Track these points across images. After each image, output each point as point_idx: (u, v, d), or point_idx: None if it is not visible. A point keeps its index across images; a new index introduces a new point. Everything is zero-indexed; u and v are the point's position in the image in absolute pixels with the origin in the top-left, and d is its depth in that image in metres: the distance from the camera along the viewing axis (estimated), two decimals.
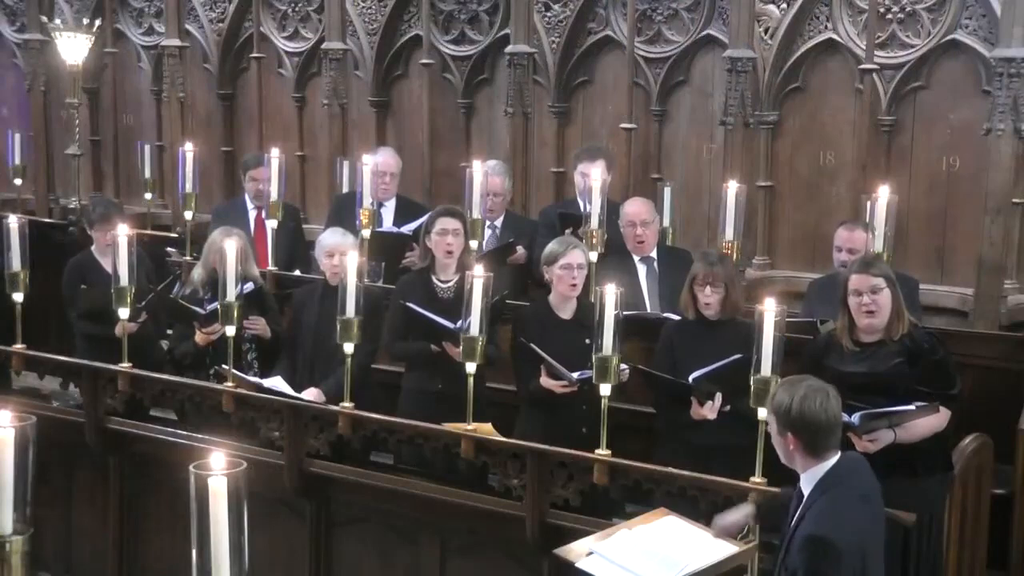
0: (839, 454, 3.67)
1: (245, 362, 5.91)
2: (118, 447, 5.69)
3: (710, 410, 4.88)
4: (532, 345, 5.10)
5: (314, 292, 5.93)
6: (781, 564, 3.64)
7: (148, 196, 9.35)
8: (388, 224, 7.02)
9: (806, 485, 3.64)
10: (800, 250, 7.87)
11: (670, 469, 4.52)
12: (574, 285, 5.35)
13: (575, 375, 4.98)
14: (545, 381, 5.14)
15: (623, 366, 4.96)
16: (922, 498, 4.48)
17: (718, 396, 4.87)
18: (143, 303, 5.87)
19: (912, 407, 4.45)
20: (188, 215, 7.59)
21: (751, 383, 4.31)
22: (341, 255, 5.62)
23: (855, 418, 4.35)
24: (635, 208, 6.20)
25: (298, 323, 5.96)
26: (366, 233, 6.55)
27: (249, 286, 5.72)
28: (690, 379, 4.92)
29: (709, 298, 5.13)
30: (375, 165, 6.84)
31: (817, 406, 3.60)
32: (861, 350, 4.69)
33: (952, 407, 4.65)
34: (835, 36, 7.70)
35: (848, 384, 4.41)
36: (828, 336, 4.87)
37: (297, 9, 9.75)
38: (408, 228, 6.76)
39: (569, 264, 5.33)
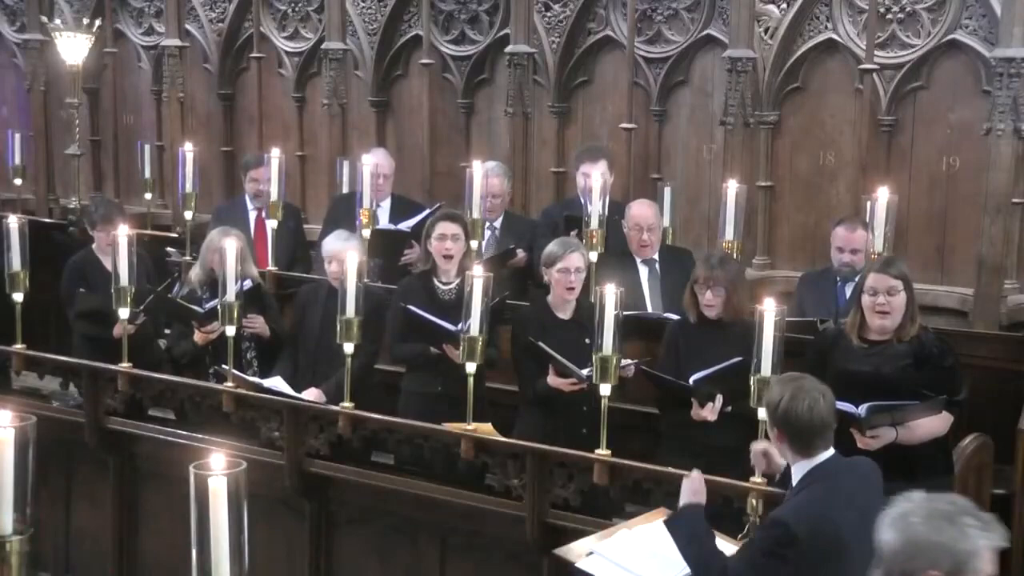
0: (831, 452, 3.70)
1: (244, 361, 5.92)
2: (118, 447, 5.69)
3: (710, 412, 4.88)
4: (541, 344, 5.10)
5: (318, 291, 5.94)
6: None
7: (148, 196, 9.33)
8: (384, 224, 7.02)
9: (796, 474, 3.72)
10: (800, 250, 7.87)
11: (670, 469, 4.52)
12: (571, 288, 5.35)
13: (584, 372, 4.98)
14: (553, 380, 5.13)
15: (628, 361, 4.97)
16: None
17: (719, 398, 4.87)
18: (142, 306, 5.87)
19: (917, 402, 4.46)
20: (188, 215, 7.59)
21: (751, 384, 4.31)
22: (340, 262, 5.62)
23: (862, 409, 4.35)
24: (642, 212, 6.19)
25: (301, 322, 5.97)
26: (366, 233, 6.56)
27: (247, 283, 5.71)
28: (690, 381, 4.91)
29: (710, 301, 5.12)
30: (373, 166, 6.85)
31: (804, 408, 3.65)
32: (869, 347, 4.69)
33: (955, 413, 4.64)
34: (835, 36, 7.70)
35: (852, 383, 4.41)
36: (837, 331, 4.86)
37: (297, 9, 9.75)
38: (406, 225, 6.77)
39: (566, 268, 5.33)
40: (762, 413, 4.19)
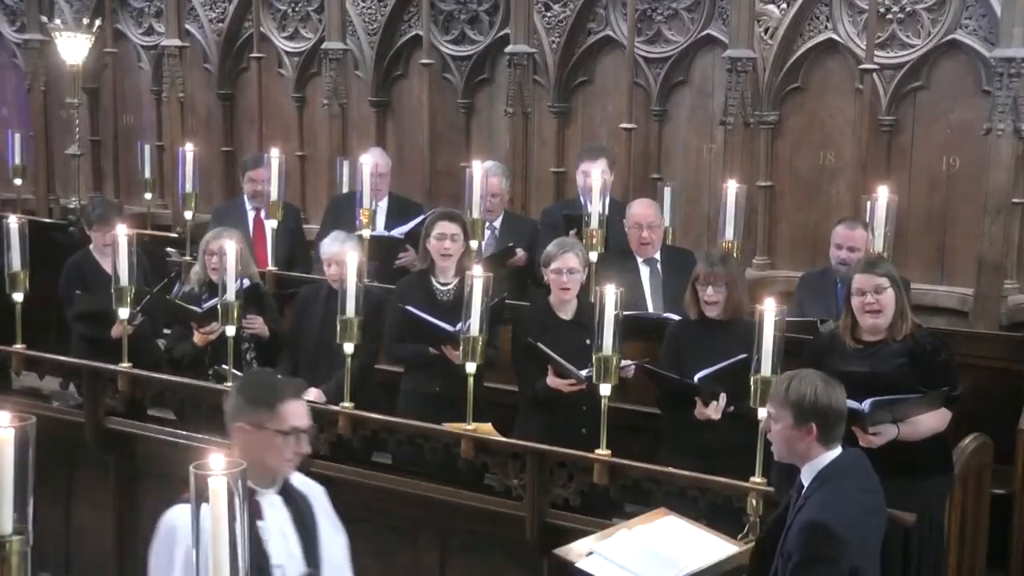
0: (841, 447, 3.69)
1: (244, 361, 5.91)
2: (118, 447, 5.68)
3: (714, 410, 4.87)
4: (539, 344, 5.09)
5: (319, 291, 5.93)
6: (779, 552, 3.65)
7: (148, 196, 9.33)
8: (381, 223, 7.02)
9: (807, 476, 3.66)
10: (800, 250, 7.87)
11: (670, 469, 4.52)
12: (566, 289, 5.33)
13: (583, 373, 4.97)
14: (552, 381, 5.13)
15: (629, 362, 4.97)
16: (922, 498, 4.48)
17: (723, 396, 4.86)
18: (139, 306, 5.86)
19: (916, 396, 4.46)
20: (188, 215, 7.60)
21: (752, 383, 4.31)
22: (339, 264, 5.61)
23: (865, 405, 4.35)
24: (642, 210, 6.18)
25: (301, 322, 5.96)
26: (366, 233, 6.55)
27: (245, 282, 5.70)
28: (696, 379, 4.91)
29: (712, 298, 5.11)
30: (372, 166, 6.84)
31: (837, 395, 3.66)
32: (863, 348, 4.68)
33: (953, 408, 4.65)
34: (835, 36, 7.70)
35: (850, 383, 4.40)
36: (831, 334, 4.86)
37: (297, 9, 9.75)
38: (400, 231, 6.76)
39: (560, 268, 5.31)
40: (763, 413, 4.19)
